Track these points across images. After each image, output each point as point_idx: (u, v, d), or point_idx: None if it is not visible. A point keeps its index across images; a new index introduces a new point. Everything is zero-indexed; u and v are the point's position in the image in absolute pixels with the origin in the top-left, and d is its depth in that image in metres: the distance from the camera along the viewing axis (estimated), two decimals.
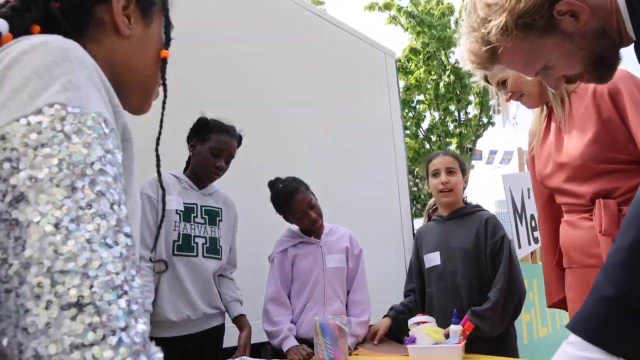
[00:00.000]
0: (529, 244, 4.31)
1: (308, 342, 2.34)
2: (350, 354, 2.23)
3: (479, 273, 2.32)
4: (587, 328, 0.84)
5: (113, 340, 0.50)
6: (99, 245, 0.54)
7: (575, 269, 1.83)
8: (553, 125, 1.89)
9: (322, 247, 2.56)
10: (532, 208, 4.28)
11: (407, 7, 12.22)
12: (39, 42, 0.63)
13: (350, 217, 4.03)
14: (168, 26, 0.91)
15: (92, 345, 0.49)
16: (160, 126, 0.97)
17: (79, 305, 0.50)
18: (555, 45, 1.13)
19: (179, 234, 2.28)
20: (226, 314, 2.46)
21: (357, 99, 4.61)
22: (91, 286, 0.51)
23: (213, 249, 2.38)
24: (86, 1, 0.78)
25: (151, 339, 0.54)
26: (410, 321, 2.18)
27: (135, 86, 0.83)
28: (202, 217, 2.36)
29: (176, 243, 2.27)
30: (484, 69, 1.29)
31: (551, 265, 1.99)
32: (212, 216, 2.41)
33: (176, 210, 2.29)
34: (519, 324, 3.07)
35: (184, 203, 2.32)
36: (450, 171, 2.46)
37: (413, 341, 2.06)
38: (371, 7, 12.46)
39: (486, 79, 2.00)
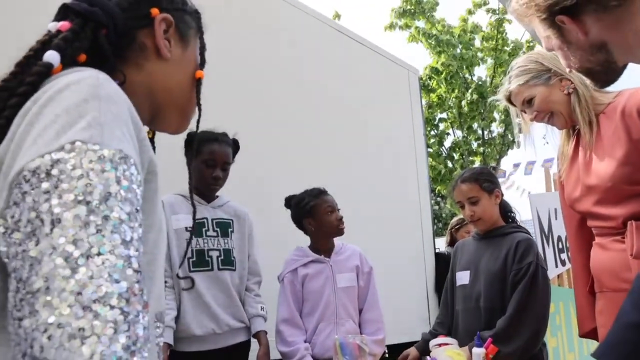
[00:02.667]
0: (556, 266, 4.21)
1: None
2: None
3: (501, 298, 2.21)
4: (614, 355, 0.81)
5: None
6: (105, 280, 0.56)
7: (606, 293, 1.76)
8: (581, 146, 1.84)
9: (332, 266, 2.54)
10: (559, 229, 4.17)
11: (424, 27, 12.19)
12: (73, 81, 0.67)
13: (370, 235, 4.00)
14: (203, 48, 0.95)
15: None
16: (195, 146, 0.99)
17: (81, 338, 0.53)
18: (557, 44, 1.14)
19: (192, 250, 2.30)
20: None
21: (380, 116, 4.60)
22: (93, 319, 0.54)
23: (227, 260, 2.39)
24: (130, 26, 0.82)
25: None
26: (432, 342, 2.13)
27: (173, 107, 0.88)
28: (214, 230, 2.38)
29: (191, 260, 2.30)
30: (522, 23, 1.30)
31: (583, 292, 1.91)
32: (224, 228, 2.42)
33: (186, 227, 2.31)
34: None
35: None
36: (472, 201, 2.29)
37: None
38: (391, 27, 12.49)
39: (509, 99, 1.95)
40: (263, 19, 3.56)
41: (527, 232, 2.37)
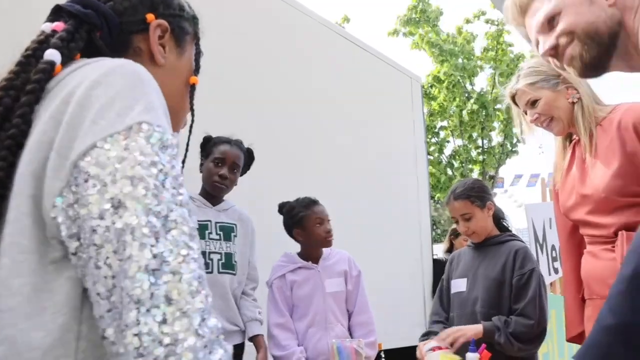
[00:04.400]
0: (549, 274, 4.25)
1: None
2: None
3: (499, 304, 2.26)
4: (590, 357, 0.86)
5: (196, 329, 0.60)
6: (183, 248, 0.63)
7: (595, 300, 1.79)
8: (577, 156, 1.88)
9: (321, 271, 2.55)
10: (553, 238, 4.21)
11: (430, 36, 12.25)
12: (116, 65, 0.70)
13: (369, 240, 4.03)
14: (198, 54, 0.95)
15: (177, 333, 0.59)
16: (186, 149, 0.99)
17: (169, 299, 0.60)
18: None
19: None
20: None
21: (382, 122, 4.63)
22: (179, 281, 0.61)
23: (228, 264, 2.41)
24: (125, 30, 0.83)
25: None
26: (425, 347, 2.16)
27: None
28: (216, 234, 2.40)
29: None
30: (515, 23, 1.31)
31: (574, 297, 1.95)
32: (227, 232, 2.44)
33: None
34: None
35: (198, 220, 2.34)
36: (466, 218, 2.34)
37: None
38: (394, 33, 12.53)
39: (513, 98, 1.96)
40: (267, 22, 3.57)
41: (522, 241, 2.43)
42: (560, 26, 1.20)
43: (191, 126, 0.97)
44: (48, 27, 0.79)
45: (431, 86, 12.47)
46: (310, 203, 2.55)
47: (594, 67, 1.19)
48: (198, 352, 0.59)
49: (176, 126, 0.91)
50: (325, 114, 3.97)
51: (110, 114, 0.65)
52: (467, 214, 2.34)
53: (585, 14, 1.16)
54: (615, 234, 1.70)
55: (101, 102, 0.66)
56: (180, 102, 0.90)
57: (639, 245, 0.87)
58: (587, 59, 1.18)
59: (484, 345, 2.11)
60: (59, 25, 0.79)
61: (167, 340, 0.59)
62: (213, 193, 2.45)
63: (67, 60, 0.75)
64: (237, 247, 2.46)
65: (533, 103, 1.88)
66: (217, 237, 2.40)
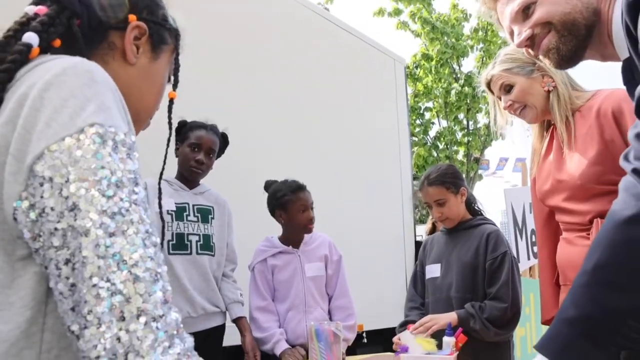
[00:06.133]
0: (528, 258, 4.31)
1: None
2: None
3: (473, 288, 2.29)
4: (551, 348, 0.89)
5: (153, 325, 0.61)
6: (139, 247, 0.64)
7: (569, 286, 1.80)
8: (555, 143, 1.88)
9: (301, 256, 2.58)
10: (532, 223, 4.25)
11: (422, 13, 12.15)
12: (69, 65, 0.71)
13: (352, 222, 4.05)
14: (177, 69, 0.99)
15: (136, 330, 0.60)
16: (164, 162, 1.03)
17: (127, 298, 0.61)
18: None
19: (172, 233, 2.34)
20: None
21: (365, 104, 4.63)
22: (135, 281, 0.62)
23: (207, 245, 2.43)
24: (103, 24, 0.86)
25: None
26: (403, 335, 2.19)
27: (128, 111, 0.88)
28: (194, 216, 2.42)
29: (170, 242, 2.33)
30: (485, 6, 1.30)
31: (549, 282, 1.97)
32: (204, 214, 2.46)
33: (167, 210, 2.34)
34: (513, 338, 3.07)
35: (175, 203, 2.37)
36: (440, 203, 2.35)
37: (405, 350, 2.07)
38: (380, 13, 12.41)
39: (488, 85, 1.96)
40: (245, 4, 3.55)
41: (494, 224, 2.45)
42: (536, 16, 1.18)
43: (169, 139, 1.02)
44: (31, 9, 0.81)
45: (416, 67, 12.42)
46: (297, 188, 2.55)
47: (571, 59, 1.19)
48: (156, 348, 0.61)
49: (136, 127, 0.92)
50: (306, 96, 3.96)
51: (62, 116, 0.66)
52: (441, 200, 2.35)
53: (562, 3, 1.15)
54: (591, 222, 1.70)
55: (54, 104, 0.67)
56: (145, 106, 0.92)
57: (601, 239, 0.89)
58: (564, 51, 1.18)
59: (460, 329, 2.14)
60: (41, 9, 0.81)
61: (125, 338, 0.60)
62: (190, 178, 2.47)
63: (45, 43, 0.78)
64: (215, 229, 2.48)
65: (508, 89, 1.88)
66: (195, 219, 2.42)
